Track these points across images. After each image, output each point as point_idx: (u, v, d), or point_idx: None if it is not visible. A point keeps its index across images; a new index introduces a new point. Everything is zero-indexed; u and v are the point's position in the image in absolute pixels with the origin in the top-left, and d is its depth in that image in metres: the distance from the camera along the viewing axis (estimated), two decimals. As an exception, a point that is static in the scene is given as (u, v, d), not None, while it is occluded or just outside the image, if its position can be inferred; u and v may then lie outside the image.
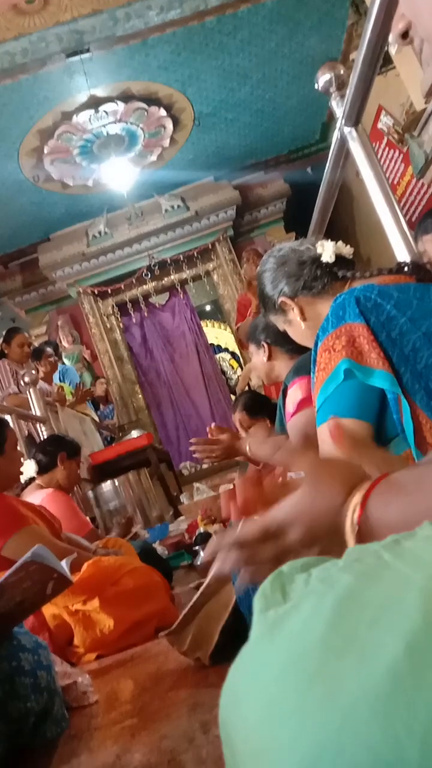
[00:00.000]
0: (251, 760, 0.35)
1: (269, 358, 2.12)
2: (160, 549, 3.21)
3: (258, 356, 2.17)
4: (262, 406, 3.12)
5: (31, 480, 2.82)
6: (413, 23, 0.67)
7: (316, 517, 0.54)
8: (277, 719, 0.34)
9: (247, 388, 5.65)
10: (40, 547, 1.13)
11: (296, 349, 1.92)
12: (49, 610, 1.88)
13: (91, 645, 1.86)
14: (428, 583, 0.34)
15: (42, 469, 2.83)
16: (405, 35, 0.69)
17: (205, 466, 6.34)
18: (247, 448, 2.08)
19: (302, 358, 1.80)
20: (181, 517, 4.40)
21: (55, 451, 2.83)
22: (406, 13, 0.67)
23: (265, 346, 2.11)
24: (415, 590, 0.34)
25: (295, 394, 1.81)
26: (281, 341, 2.00)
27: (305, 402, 1.75)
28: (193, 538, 3.30)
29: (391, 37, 0.71)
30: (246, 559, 0.56)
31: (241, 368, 7.73)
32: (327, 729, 0.31)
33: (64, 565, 1.20)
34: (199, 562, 3.15)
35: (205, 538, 3.11)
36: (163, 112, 5.68)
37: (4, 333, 4.59)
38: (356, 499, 0.53)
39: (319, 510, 0.54)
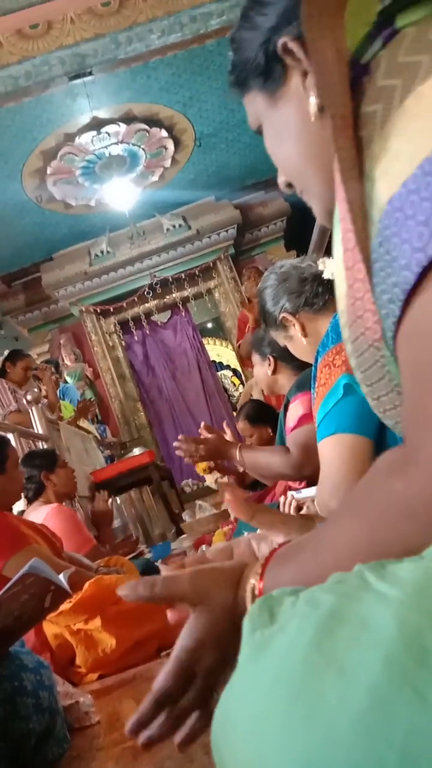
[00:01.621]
0: None
1: (274, 371, 2.13)
2: (162, 568, 3.19)
3: (262, 368, 2.17)
4: (263, 415, 3.11)
5: (36, 496, 2.82)
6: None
7: (218, 629, 0.53)
8: (263, 737, 0.34)
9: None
10: (36, 560, 1.13)
11: (301, 365, 1.92)
12: (51, 629, 1.87)
13: (93, 665, 1.85)
14: (406, 600, 0.35)
15: (34, 497, 2.80)
16: (290, 185, 0.73)
17: (206, 483, 6.31)
18: (237, 453, 2.03)
19: (305, 373, 1.81)
20: (184, 535, 4.37)
21: (36, 475, 2.78)
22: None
23: (271, 359, 2.12)
24: (392, 607, 0.35)
25: (296, 409, 1.82)
26: (287, 356, 2.00)
27: (306, 418, 1.76)
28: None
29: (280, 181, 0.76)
30: (178, 716, 0.54)
31: (243, 385, 7.73)
32: (309, 745, 0.32)
33: (62, 578, 1.19)
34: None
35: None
36: (164, 133, 5.75)
37: (7, 352, 4.59)
38: (250, 583, 0.53)
39: (216, 620, 0.54)
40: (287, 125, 0.67)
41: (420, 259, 0.45)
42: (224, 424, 2.20)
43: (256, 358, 2.21)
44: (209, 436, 2.06)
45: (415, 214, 0.46)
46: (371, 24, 0.57)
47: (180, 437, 2.10)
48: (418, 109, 0.49)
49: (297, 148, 0.67)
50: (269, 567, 0.54)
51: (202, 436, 2.09)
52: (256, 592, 0.53)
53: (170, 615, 0.51)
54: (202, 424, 2.15)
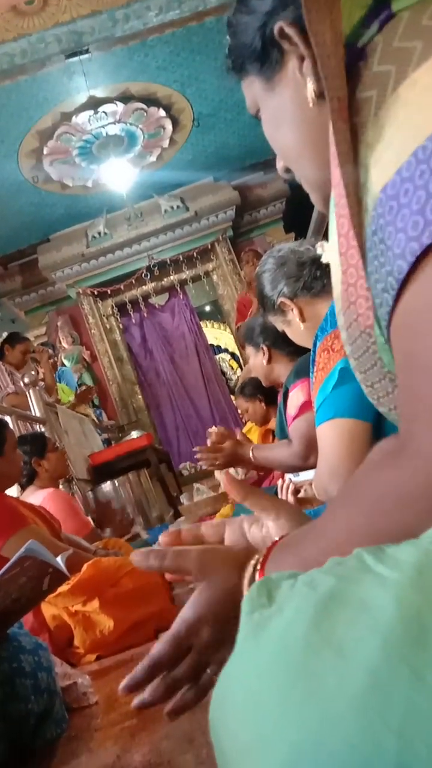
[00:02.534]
0: (237, 757, 0.36)
1: (269, 361, 2.12)
2: (161, 539, 3.21)
3: (257, 359, 2.16)
4: (255, 388, 3.21)
5: (30, 482, 2.82)
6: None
7: (218, 607, 0.55)
8: (260, 717, 0.35)
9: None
10: (33, 542, 1.13)
11: (295, 351, 1.92)
12: (49, 610, 1.88)
13: (91, 646, 1.86)
14: (405, 581, 0.35)
15: (27, 483, 2.80)
16: (288, 170, 0.74)
17: (205, 466, 6.34)
18: (251, 454, 2.07)
19: (302, 360, 1.80)
20: (182, 518, 4.39)
21: (27, 461, 2.75)
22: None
23: (265, 348, 2.11)
24: (391, 588, 0.35)
25: (296, 397, 1.81)
26: (280, 344, 2.00)
27: (307, 405, 1.75)
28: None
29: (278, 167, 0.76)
30: (170, 684, 0.57)
31: (241, 368, 7.73)
32: (307, 725, 0.32)
33: (60, 560, 1.20)
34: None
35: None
36: (162, 112, 5.68)
37: (5, 334, 4.58)
38: (249, 570, 0.55)
39: (217, 599, 0.55)
40: (284, 110, 0.67)
41: (414, 248, 0.45)
42: (236, 432, 2.25)
43: (249, 350, 2.21)
44: (224, 444, 2.10)
45: (409, 202, 0.46)
46: (367, 7, 0.57)
47: (197, 448, 2.15)
48: (411, 95, 0.49)
49: (294, 133, 0.67)
50: (272, 554, 0.55)
51: (210, 440, 2.12)
52: (257, 576, 0.54)
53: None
54: (213, 428, 2.18)
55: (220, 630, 0.55)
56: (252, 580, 0.54)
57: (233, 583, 0.55)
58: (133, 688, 0.56)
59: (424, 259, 0.45)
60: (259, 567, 0.54)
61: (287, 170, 0.74)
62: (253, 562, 0.55)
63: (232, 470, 2.85)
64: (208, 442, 2.12)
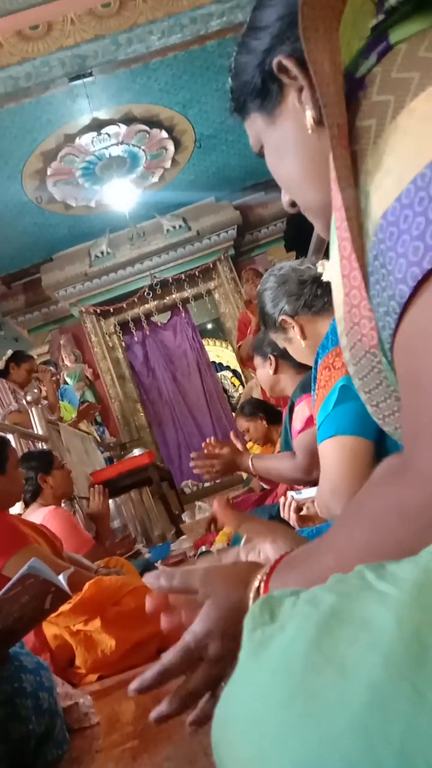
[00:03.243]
0: None
1: (276, 371, 2.13)
2: (162, 569, 3.19)
3: (264, 369, 2.17)
4: (256, 408, 3.22)
5: (33, 498, 2.81)
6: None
7: (224, 623, 0.55)
8: (261, 735, 0.35)
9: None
10: (35, 560, 1.13)
11: (303, 364, 1.93)
12: (50, 630, 1.87)
13: (93, 666, 1.84)
14: (405, 599, 0.35)
15: (31, 499, 2.79)
16: (293, 204, 0.75)
17: (207, 484, 6.32)
18: (250, 463, 2.06)
19: (309, 374, 1.80)
20: (183, 536, 4.37)
21: (33, 477, 2.74)
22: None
23: (272, 359, 2.12)
24: (392, 606, 0.35)
25: (302, 411, 1.82)
26: (288, 355, 2.01)
27: (312, 420, 1.75)
28: (195, 557, 3.28)
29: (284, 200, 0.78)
30: (185, 696, 0.58)
31: (243, 386, 7.73)
32: (308, 744, 0.32)
33: (61, 579, 1.19)
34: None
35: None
36: (164, 134, 5.76)
37: (11, 352, 4.59)
38: (254, 585, 0.55)
39: (224, 614, 0.56)
40: (286, 141, 0.69)
41: (415, 272, 0.47)
42: (232, 435, 2.24)
43: (257, 360, 2.22)
44: (221, 450, 2.08)
45: (409, 228, 0.48)
46: (366, 38, 0.59)
47: (193, 455, 2.14)
48: (409, 125, 0.51)
49: (296, 162, 0.69)
50: (276, 570, 0.56)
51: (207, 451, 2.11)
52: (261, 593, 0.54)
53: (164, 622, 0.51)
54: (211, 438, 2.17)
55: (228, 644, 0.55)
56: (257, 595, 0.55)
57: (238, 598, 0.56)
58: (141, 691, 0.58)
59: (424, 283, 0.47)
60: (263, 583, 0.55)
61: (293, 204, 0.76)
62: (258, 577, 0.56)
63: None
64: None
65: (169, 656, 0.57)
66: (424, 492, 0.45)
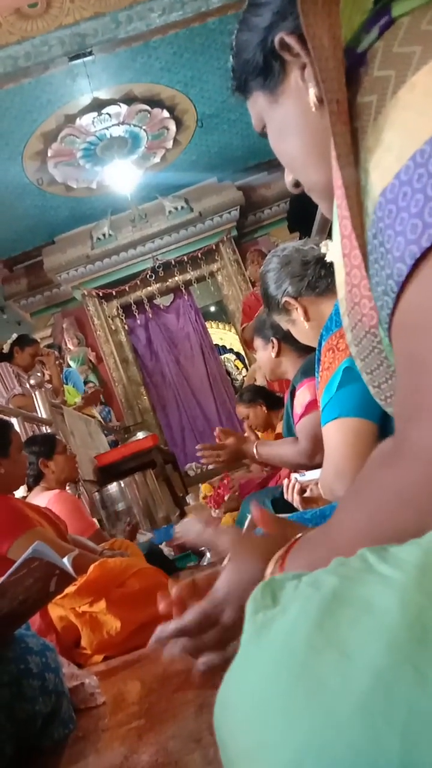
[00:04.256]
0: (241, 759, 0.36)
1: (278, 354, 2.12)
2: (166, 550, 3.22)
3: (265, 351, 2.16)
4: (255, 394, 3.23)
5: (36, 482, 2.82)
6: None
7: (243, 591, 0.56)
8: (263, 719, 0.35)
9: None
10: (39, 543, 1.13)
11: (305, 347, 1.92)
12: (56, 611, 1.89)
13: (98, 646, 1.86)
14: (408, 581, 0.35)
15: (34, 483, 2.80)
16: (297, 184, 0.75)
17: (211, 467, 6.34)
18: (255, 450, 2.07)
19: (309, 358, 1.80)
20: (187, 518, 4.40)
21: (35, 462, 2.75)
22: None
23: (274, 341, 2.11)
24: (394, 589, 0.35)
25: (303, 396, 1.81)
26: (291, 338, 2.00)
27: (313, 404, 1.75)
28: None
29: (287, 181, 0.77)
30: (193, 648, 0.61)
31: (246, 369, 7.73)
32: (310, 727, 0.32)
33: (66, 561, 1.20)
34: (205, 563, 3.15)
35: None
36: (165, 113, 5.69)
37: (15, 336, 4.59)
38: (272, 564, 0.56)
39: (244, 584, 0.57)
40: (288, 119, 0.68)
41: (413, 251, 0.46)
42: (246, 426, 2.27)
43: (258, 342, 2.21)
44: (227, 440, 2.10)
45: (408, 206, 0.47)
46: (368, 12, 0.58)
47: (199, 446, 2.17)
48: (410, 100, 0.50)
49: (299, 140, 0.68)
50: (293, 549, 0.56)
51: (218, 440, 2.13)
52: (278, 571, 0.55)
53: (161, 605, 0.52)
54: (218, 429, 2.18)
55: (241, 614, 0.56)
56: (275, 571, 0.56)
57: (258, 569, 0.57)
58: (160, 643, 0.63)
59: (423, 261, 0.46)
60: (281, 559, 0.56)
61: (296, 184, 0.75)
62: (279, 553, 0.57)
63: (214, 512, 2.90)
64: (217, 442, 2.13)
65: (188, 616, 0.60)
66: (419, 473, 0.45)
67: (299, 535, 0.59)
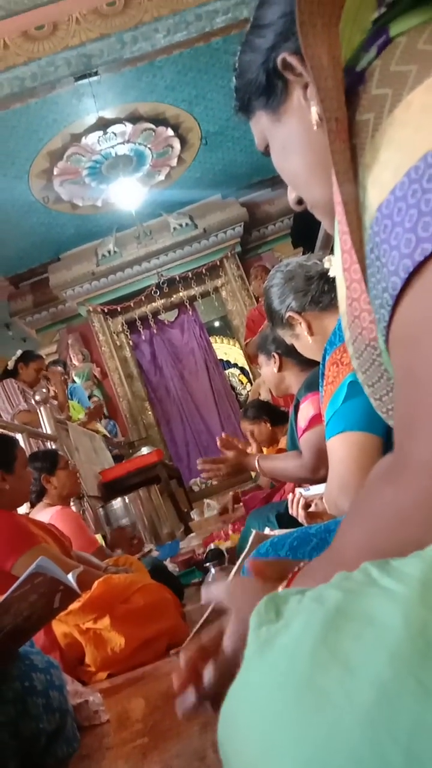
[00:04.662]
0: None
1: (280, 369, 2.12)
2: (170, 566, 3.20)
3: (268, 367, 2.17)
4: (259, 410, 3.23)
5: (39, 498, 2.81)
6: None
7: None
8: (268, 732, 0.35)
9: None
10: (43, 559, 1.13)
11: (307, 361, 1.92)
12: (60, 628, 1.88)
13: (102, 663, 1.85)
14: (411, 595, 0.35)
15: (36, 500, 2.78)
16: (300, 201, 0.75)
17: (215, 482, 6.32)
18: (257, 464, 2.07)
19: (313, 373, 1.80)
20: (192, 534, 4.38)
21: (37, 477, 2.72)
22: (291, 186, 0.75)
23: (276, 357, 2.11)
24: (398, 602, 0.35)
25: (307, 410, 1.81)
26: (292, 353, 2.00)
27: (317, 418, 1.75)
28: (204, 555, 3.28)
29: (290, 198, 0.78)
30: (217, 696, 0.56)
31: (251, 383, 7.73)
32: (314, 741, 0.32)
33: (71, 578, 1.19)
34: (210, 579, 3.12)
35: (216, 555, 3.09)
36: (170, 131, 5.75)
37: (20, 352, 4.61)
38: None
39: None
40: (291, 138, 0.68)
41: (407, 264, 0.47)
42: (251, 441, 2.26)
43: (261, 358, 2.22)
44: (228, 454, 2.09)
45: (402, 220, 0.48)
46: (367, 31, 0.59)
47: (199, 460, 2.15)
48: (405, 117, 0.51)
49: (302, 159, 0.69)
50: (294, 581, 0.55)
51: (221, 446, 2.12)
52: None
53: (175, 683, 0.50)
54: (222, 436, 2.17)
55: None
56: None
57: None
58: (189, 718, 0.59)
59: (416, 275, 0.46)
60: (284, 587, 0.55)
61: (299, 202, 0.75)
62: (280, 587, 0.56)
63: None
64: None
65: (205, 682, 0.56)
66: (419, 489, 0.45)
67: (301, 564, 0.58)
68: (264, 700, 0.36)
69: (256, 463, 2.06)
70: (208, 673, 0.56)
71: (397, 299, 0.48)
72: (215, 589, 0.60)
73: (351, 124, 0.56)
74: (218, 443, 2.14)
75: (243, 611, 0.56)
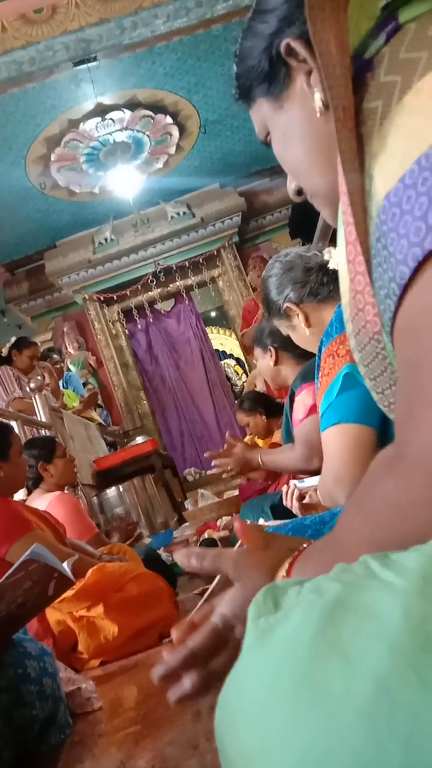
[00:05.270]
0: (242, 765, 0.36)
1: (276, 362, 2.13)
2: (164, 555, 3.20)
3: (264, 360, 2.17)
4: (254, 402, 3.24)
5: (36, 486, 2.81)
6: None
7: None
8: (266, 724, 0.35)
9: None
10: (38, 546, 1.13)
11: (303, 354, 1.92)
12: (53, 616, 1.88)
13: (95, 651, 1.86)
14: (411, 588, 0.35)
15: (33, 487, 2.78)
16: (299, 192, 0.75)
17: (209, 472, 6.33)
18: (259, 460, 2.09)
19: (309, 364, 1.80)
20: (186, 524, 4.39)
21: (34, 465, 2.72)
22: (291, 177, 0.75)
23: (272, 350, 2.11)
24: (398, 595, 0.35)
25: (304, 399, 1.81)
26: (288, 346, 2.00)
27: (314, 408, 1.75)
28: (198, 544, 3.29)
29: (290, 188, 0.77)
30: (208, 677, 0.56)
31: (246, 374, 7.73)
32: (313, 733, 0.32)
33: (66, 566, 1.19)
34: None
35: (209, 544, 3.11)
36: (169, 119, 5.71)
37: (14, 339, 4.60)
38: (281, 574, 0.56)
39: (248, 600, 0.55)
40: (293, 125, 0.67)
41: (416, 253, 0.46)
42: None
43: (257, 351, 2.22)
44: (234, 448, 2.12)
45: (411, 209, 0.47)
46: (375, 18, 0.58)
47: (207, 453, 2.20)
48: (415, 104, 0.50)
49: (303, 146, 0.68)
50: (297, 561, 0.56)
51: (227, 446, 2.15)
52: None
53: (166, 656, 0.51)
54: (227, 435, 2.21)
55: None
56: None
57: (266, 584, 0.56)
58: (166, 677, 0.56)
59: (425, 264, 0.46)
60: (287, 570, 0.55)
61: (299, 192, 0.75)
62: (285, 564, 0.56)
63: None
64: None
65: (196, 639, 0.56)
66: (418, 481, 0.44)
67: (304, 545, 0.58)
68: (263, 690, 0.36)
69: (260, 459, 2.08)
70: (197, 637, 0.56)
71: (405, 288, 0.48)
72: (221, 560, 0.60)
73: (358, 111, 0.55)
74: (225, 446, 2.18)
75: (246, 581, 0.57)
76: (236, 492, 3.53)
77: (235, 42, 0.72)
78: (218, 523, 3.41)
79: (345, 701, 0.32)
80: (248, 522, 1.16)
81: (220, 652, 0.56)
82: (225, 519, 3.41)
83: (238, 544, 0.89)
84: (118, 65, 4.84)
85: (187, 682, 0.55)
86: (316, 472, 1.83)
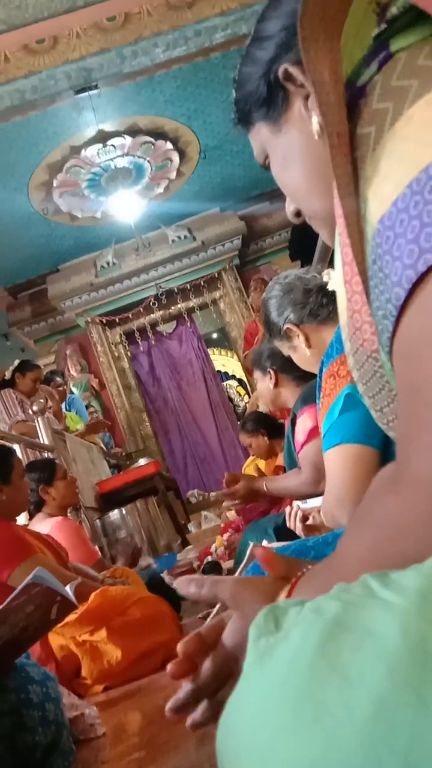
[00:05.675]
0: None
1: (275, 385, 2.13)
2: (167, 578, 3.18)
3: (263, 383, 2.18)
4: (257, 423, 3.24)
5: (38, 509, 2.80)
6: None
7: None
8: (266, 744, 0.35)
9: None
10: (41, 569, 1.12)
11: (302, 377, 1.93)
12: (56, 640, 1.87)
13: (99, 676, 1.84)
14: (410, 607, 0.35)
15: (35, 510, 2.76)
16: (298, 214, 0.76)
17: (213, 494, 6.31)
18: (264, 487, 2.09)
19: (310, 386, 1.80)
20: (189, 546, 4.36)
21: (35, 488, 2.70)
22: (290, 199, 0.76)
23: (272, 372, 2.12)
24: (396, 614, 0.35)
25: (305, 423, 1.82)
26: (288, 368, 2.01)
27: (315, 431, 1.75)
28: (201, 568, 3.27)
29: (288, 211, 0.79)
30: (218, 707, 0.56)
31: (249, 395, 7.73)
32: (313, 753, 0.32)
33: (69, 589, 1.19)
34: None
35: (213, 567, 3.09)
36: (169, 145, 5.80)
37: (17, 362, 4.61)
38: (282, 597, 0.55)
39: (248, 629, 0.56)
40: (292, 148, 0.69)
41: (410, 275, 0.47)
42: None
43: (257, 374, 2.23)
44: (237, 486, 2.14)
45: (404, 232, 0.48)
46: (368, 47, 0.59)
47: (214, 494, 2.28)
48: (406, 131, 0.51)
49: (302, 169, 0.69)
50: (297, 586, 0.55)
51: (225, 485, 2.17)
52: None
53: (172, 669, 0.50)
54: (225, 475, 2.22)
55: None
56: None
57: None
58: (178, 710, 0.58)
59: (419, 285, 0.47)
60: (287, 596, 0.55)
61: (297, 214, 0.76)
62: (284, 591, 0.56)
63: None
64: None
65: (203, 675, 0.57)
66: (418, 501, 0.45)
67: (303, 570, 0.58)
68: (263, 710, 0.36)
69: (264, 486, 2.08)
70: (206, 667, 0.56)
71: (401, 310, 0.49)
72: (220, 588, 0.60)
73: (352, 137, 0.57)
74: (224, 485, 2.19)
75: (245, 610, 0.57)
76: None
77: (233, 69, 0.73)
78: (211, 549, 3.39)
79: (344, 721, 0.32)
80: (251, 544, 1.16)
81: (226, 683, 0.57)
82: (225, 535, 3.39)
83: (242, 566, 0.89)
84: (118, 93, 4.93)
85: (199, 713, 0.57)
86: (323, 494, 1.83)
